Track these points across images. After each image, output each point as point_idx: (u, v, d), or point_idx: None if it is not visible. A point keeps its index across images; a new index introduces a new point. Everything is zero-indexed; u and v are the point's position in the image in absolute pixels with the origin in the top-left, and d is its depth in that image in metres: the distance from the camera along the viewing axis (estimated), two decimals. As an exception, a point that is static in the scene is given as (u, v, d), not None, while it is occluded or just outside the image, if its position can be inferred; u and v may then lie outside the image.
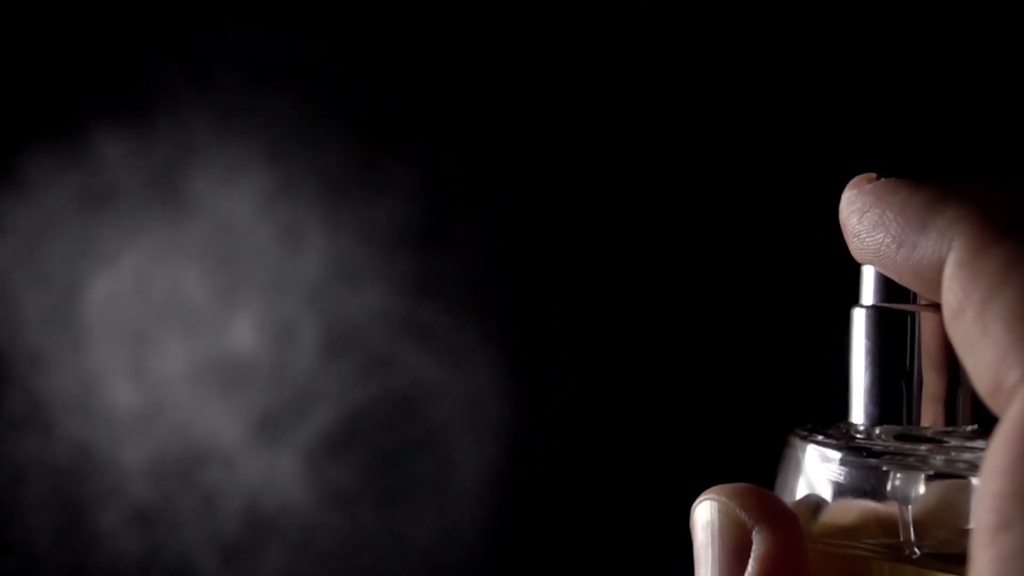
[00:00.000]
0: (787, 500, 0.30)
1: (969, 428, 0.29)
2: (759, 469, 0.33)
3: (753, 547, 0.30)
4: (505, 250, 0.68)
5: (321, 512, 0.67)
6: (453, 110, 0.68)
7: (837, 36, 0.64)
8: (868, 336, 0.29)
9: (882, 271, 0.27)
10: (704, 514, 0.31)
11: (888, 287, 0.29)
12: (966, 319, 0.24)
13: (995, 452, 0.23)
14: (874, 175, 0.28)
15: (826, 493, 0.29)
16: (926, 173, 0.27)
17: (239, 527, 0.68)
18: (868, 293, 0.29)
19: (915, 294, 0.29)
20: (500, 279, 0.68)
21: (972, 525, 0.23)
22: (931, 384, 0.28)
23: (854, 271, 0.30)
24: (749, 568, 0.30)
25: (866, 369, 0.29)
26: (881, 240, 0.27)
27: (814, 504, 0.30)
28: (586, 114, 0.67)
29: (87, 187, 0.68)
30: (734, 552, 0.30)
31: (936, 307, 0.28)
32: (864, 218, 0.27)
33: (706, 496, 0.31)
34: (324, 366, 0.67)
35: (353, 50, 0.68)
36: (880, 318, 0.29)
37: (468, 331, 0.68)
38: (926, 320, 0.28)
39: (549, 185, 0.68)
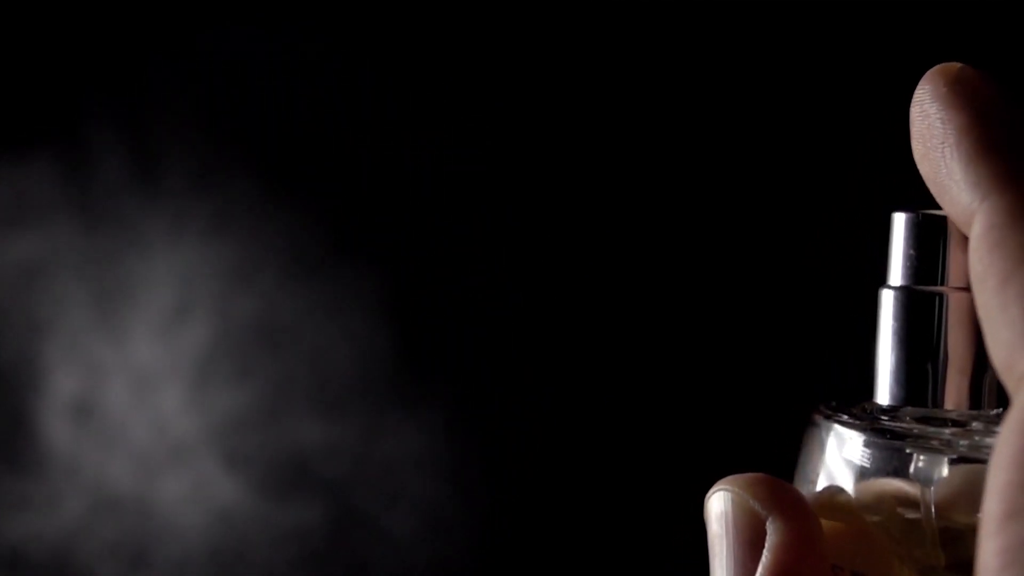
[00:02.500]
0: (809, 480, 0.30)
1: (994, 412, 0.29)
2: (776, 455, 0.33)
3: (767, 537, 0.29)
4: (504, 242, 0.68)
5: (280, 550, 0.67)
6: (445, 112, 0.68)
7: (837, 36, 0.64)
8: (896, 317, 0.29)
9: (925, 180, 0.27)
10: (717, 505, 0.31)
11: (916, 268, 0.29)
12: (987, 288, 0.24)
13: (1004, 441, 0.23)
14: (956, 67, 0.27)
15: (848, 474, 0.29)
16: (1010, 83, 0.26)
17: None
18: (896, 274, 0.29)
19: (944, 276, 0.29)
20: (504, 270, 0.68)
21: (982, 513, 0.23)
22: (957, 367, 0.28)
23: (874, 253, 0.30)
24: (763, 558, 0.29)
25: (892, 350, 0.29)
26: (935, 159, 0.26)
27: (834, 495, 0.29)
28: (582, 116, 0.67)
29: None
30: (748, 542, 0.30)
31: (964, 289, 0.28)
32: (930, 125, 0.26)
33: (719, 486, 0.31)
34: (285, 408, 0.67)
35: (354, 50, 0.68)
36: (908, 299, 0.29)
37: (470, 321, 0.67)
38: (954, 302, 0.28)
39: (545, 184, 0.68)
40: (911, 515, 0.28)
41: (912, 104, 0.27)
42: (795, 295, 0.65)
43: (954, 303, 0.28)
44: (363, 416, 0.67)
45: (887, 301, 0.29)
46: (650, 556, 0.66)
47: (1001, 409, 0.29)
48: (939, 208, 0.26)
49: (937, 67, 0.27)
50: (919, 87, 0.27)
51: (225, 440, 0.67)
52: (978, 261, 0.24)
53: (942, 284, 0.29)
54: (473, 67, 0.67)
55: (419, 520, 0.67)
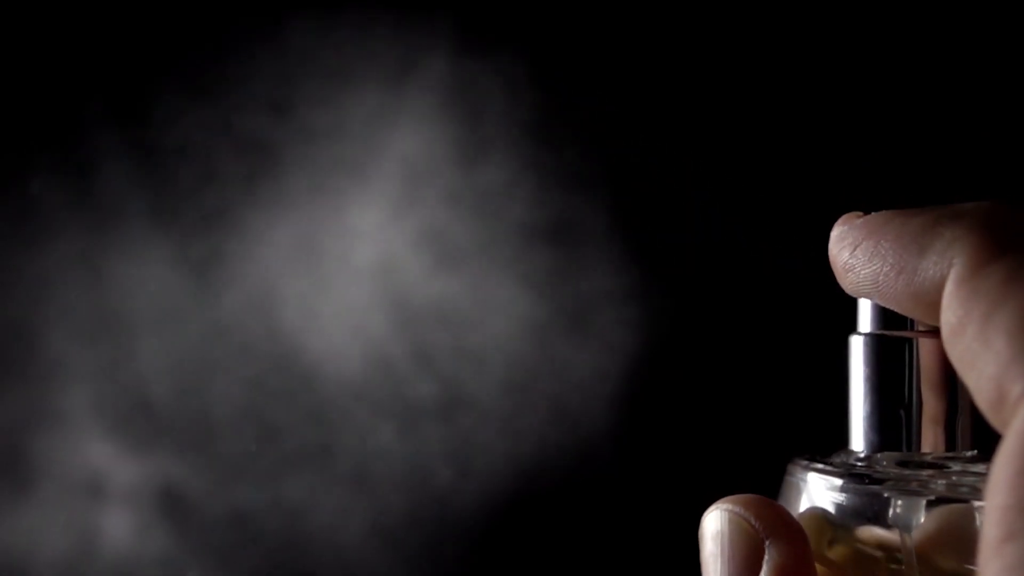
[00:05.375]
0: None
1: (969, 453, 0.29)
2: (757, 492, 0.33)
3: (766, 558, 0.30)
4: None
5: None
6: (441, 111, 0.67)
7: (836, 43, 0.63)
8: (867, 363, 0.29)
9: (880, 302, 0.28)
10: (714, 524, 0.31)
11: (886, 313, 0.29)
12: (967, 335, 0.24)
13: (999, 465, 0.23)
14: (861, 213, 0.28)
15: (827, 521, 0.29)
16: (914, 204, 0.27)
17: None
18: (865, 320, 0.30)
19: (912, 321, 0.29)
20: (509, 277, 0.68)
21: (980, 540, 0.23)
22: (930, 410, 0.29)
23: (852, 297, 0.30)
24: None
25: (865, 396, 0.29)
26: (879, 270, 0.27)
27: (818, 517, 0.30)
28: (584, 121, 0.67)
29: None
30: (745, 562, 0.30)
31: (933, 333, 0.28)
32: (858, 251, 0.27)
33: (717, 506, 0.31)
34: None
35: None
36: (878, 345, 0.29)
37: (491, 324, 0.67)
38: (924, 346, 0.29)
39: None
40: (892, 561, 0.28)
41: (831, 248, 0.28)
42: (782, 330, 0.64)
43: (924, 347, 0.29)
44: (308, 479, 0.66)
45: (857, 348, 0.30)
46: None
47: (976, 451, 0.29)
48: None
49: (841, 217, 0.28)
50: (833, 234, 0.28)
51: (167, 498, 0.67)
52: (953, 315, 0.25)
53: (911, 329, 0.29)
54: (468, 71, 0.67)
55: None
